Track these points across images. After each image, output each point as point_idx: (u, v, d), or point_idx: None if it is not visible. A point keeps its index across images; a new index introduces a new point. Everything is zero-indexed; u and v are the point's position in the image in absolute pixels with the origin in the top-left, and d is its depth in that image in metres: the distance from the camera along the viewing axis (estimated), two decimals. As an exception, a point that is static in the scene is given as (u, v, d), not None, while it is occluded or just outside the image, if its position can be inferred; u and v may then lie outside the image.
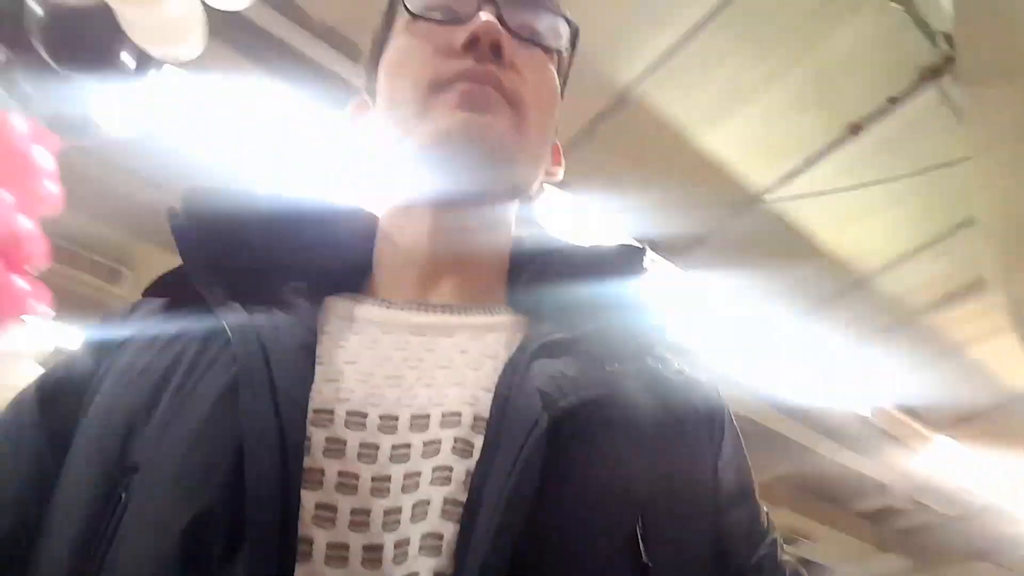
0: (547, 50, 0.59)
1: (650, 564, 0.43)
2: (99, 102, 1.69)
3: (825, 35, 2.64)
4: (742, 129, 3.05)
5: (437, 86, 0.54)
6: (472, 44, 0.53)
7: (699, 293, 3.57)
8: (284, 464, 0.40)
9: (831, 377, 4.05)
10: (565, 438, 0.44)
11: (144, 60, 1.59)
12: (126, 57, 1.53)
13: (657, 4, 2.67)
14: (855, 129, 2.91)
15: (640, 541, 0.43)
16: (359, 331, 0.51)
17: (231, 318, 0.46)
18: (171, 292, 0.53)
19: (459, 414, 0.45)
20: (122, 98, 1.68)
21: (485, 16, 0.54)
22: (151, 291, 0.54)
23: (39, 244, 2.10)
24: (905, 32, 2.56)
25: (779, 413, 5.08)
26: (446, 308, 0.54)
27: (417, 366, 0.49)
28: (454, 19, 0.55)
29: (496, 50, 0.53)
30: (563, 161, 0.66)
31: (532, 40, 0.58)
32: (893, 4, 2.45)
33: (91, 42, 1.44)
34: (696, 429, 0.55)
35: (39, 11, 1.44)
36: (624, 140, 3.22)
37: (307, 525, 0.40)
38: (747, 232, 3.54)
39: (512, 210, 0.62)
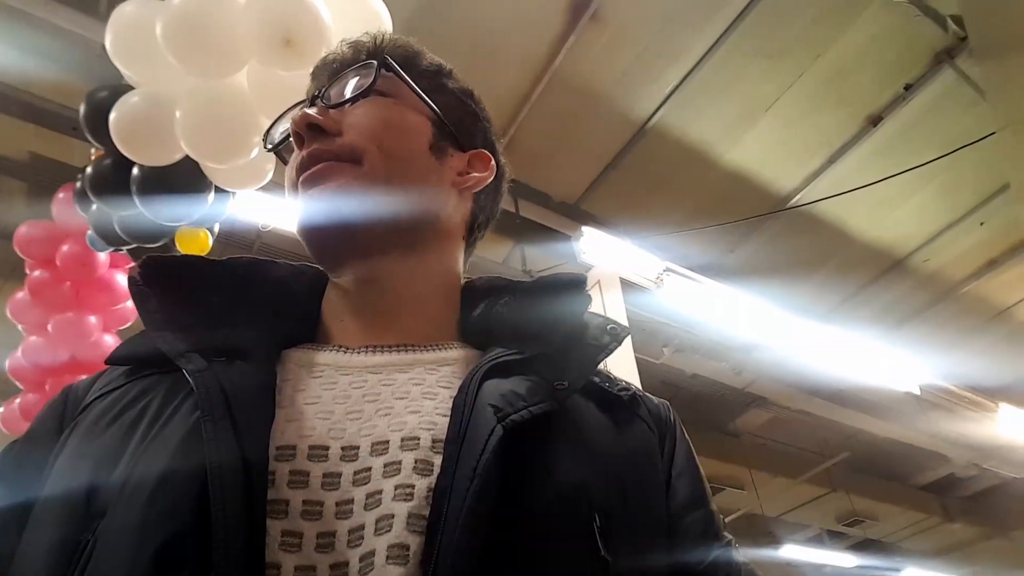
0: (369, 94, 0.61)
1: (608, 558, 0.45)
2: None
3: (833, 38, 2.70)
4: (763, 139, 3.10)
5: (293, 186, 0.60)
6: (299, 139, 0.59)
7: (737, 301, 3.59)
8: (249, 495, 0.42)
9: (878, 359, 4.05)
10: (520, 448, 0.46)
11: (221, 193, 1.67)
12: (208, 195, 1.62)
13: (666, 39, 2.74)
14: (874, 121, 2.97)
15: (598, 536, 0.46)
16: (318, 375, 0.53)
17: (192, 367, 0.49)
18: (132, 357, 0.55)
19: (417, 438, 0.47)
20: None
21: (297, 112, 0.60)
22: (113, 358, 0.56)
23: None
24: (913, 21, 2.62)
25: (830, 402, 5.07)
26: (400, 348, 0.57)
27: (375, 399, 0.51)
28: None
29: (316, 129, 0.58)
30: (493, 162, 0.67)
31: (346, 100, 0.61)
32: (896, -1, 2.51)
33: (179, 192, 1.54)
34: (645, 441, 0.58)
35: (137, 172, 1.54)
36: (649, 169, 3.27)
37: (274, 551, 0.42)
38: (779, 235, 3.58)
39: (432, 241, 0.63)
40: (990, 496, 7.44)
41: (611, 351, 0.59)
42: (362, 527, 0.43)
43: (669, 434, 0.61)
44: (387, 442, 0.47)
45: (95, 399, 0.53)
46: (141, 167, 1.53)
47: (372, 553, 0.42)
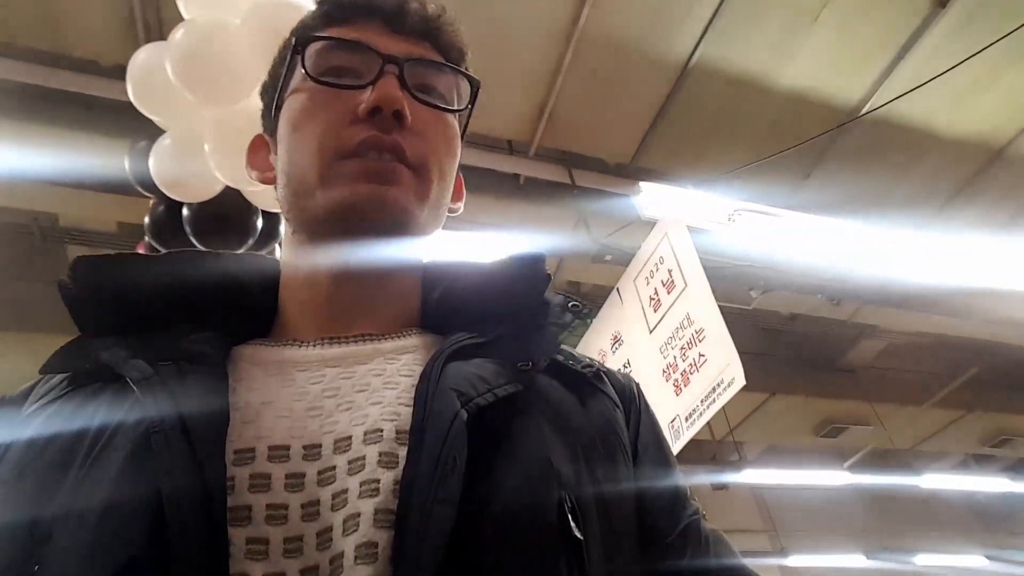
0: (448, 104, 0.59)
1: (581, 537, 0.44)
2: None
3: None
4: (817, 52, 2.87)
5: (341, 155, 0.54)
6: (374, 112, 0.53)
7: (820, 227, 3.36)
8: (207, 505, 0.40)
9: (995, 260, 3.70)
10: (486, 432, 0.45)
11: (272, 221, 1.70)
12: (256, 220, 1.65)
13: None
14: (942, 2, 2.69)
15: (570, 517, 0.45)
16: (273, 372, 0.51)
17: (135, 375, 0.46)
18: (70, 365, 0.51)
19: (381, 430, 0.46)
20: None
21: (387, 80, 0.54)
22: (48, 367, 0.52)
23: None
24: None
25: (947, 316, 4.70)
26: (358, 338, 0.55)
27: (335, 394, 0.49)
28: (357, 82, 0.55)
29: (399, 118, 0.54)
30: (464, 194, 0.67)
31: (433, 103, 0.57)
32: None
33: (229, 222, 1.57)
34: (610, 416, 0.57)
35: (187, 211, 1.58)
36: (700, 111, 3.11)
37: (239, 561, 0.40)
38: (856, 150, 3.32)
39: (419, 251, 0.61)
40: None
41: (573, 328, 0.59)
42: (330, 528, 0.42)
43: (634, 408, 0.61)
44: (349, 438, 0.46)
45: (31, 412, 0.50)
46: (189, 206, 1.57)
47: (340, 555, 0.41)
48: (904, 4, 2.74)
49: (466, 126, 0.64)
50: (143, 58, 1.41)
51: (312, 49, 0.57)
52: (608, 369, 0.63)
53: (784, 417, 5.96)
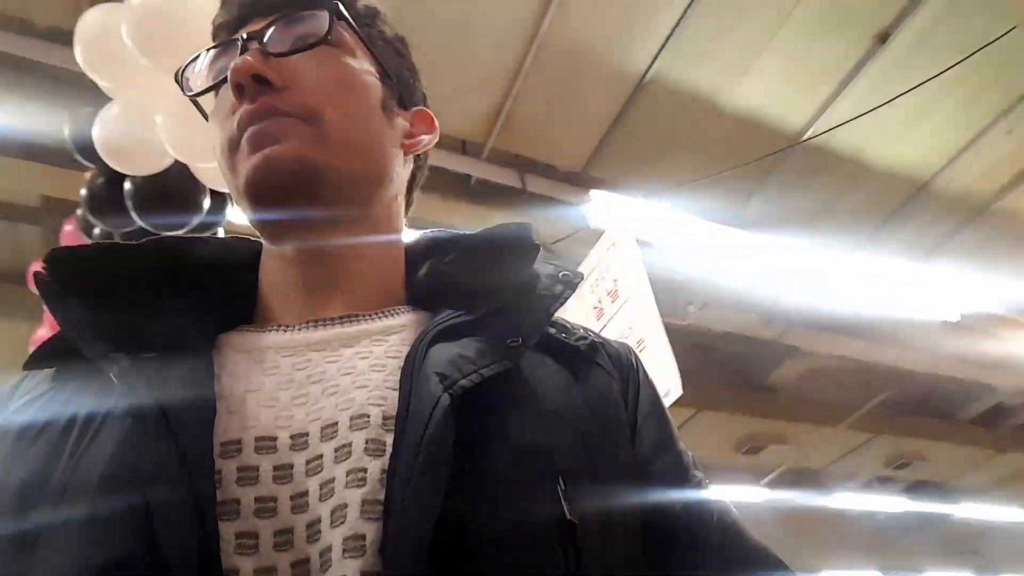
0: (325, 43, 0.56)
1: (575, 521, 0.43)
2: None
3: (829, -46, 2.59)
4: (767, 76, 2.98)
5: (233, 144, 0.54)
6: (239, 90, 0.53)
7: (758, 245, 3.49)
8: (195, 500, 0.39)
9: (912, 290, 3.93)
10: (474, 414, 0.44)
11: (219, 201, 1.62)
12: (203, 199, 1.56)
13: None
14: (882, 38, 2.84)
15: (563, 500, 0.44)
16: (258, 359, 0.50)
17: (116, 370, 0.46)
18: (51, 361, 0.51)
19: (367, 415, 0.45)
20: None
21: (238, 59, 0.53)
22: (30, 364, 0.51)
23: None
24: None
25: (866, 341, 4.95)
26: (344, 320, 0.54)
27: (321, 379, 0.48)
28: (225, 78, 0.55)
29: (261, 81, 0.52)
30: (436, 125, 0.65)
31: (295, 49, 0.55)
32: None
33: (174, 199, 1.48)
34: (606, 390, 0.56)
35: (129, 185, 1.48)
36: (653, 124, 3.17)
37: (229, 555, 0.40)
38: (796, 174, 3.46)
39: (379, 207, 0.59)
40: (1043, 422, 7.27)
41: (565, 299, 0.56)
42: (319, 520, 0.41)
43: (632, 378, 0.59)
44: (336, 424, 0.45)
45: (16, 409, 0.49)
46: (133, 179, 1.48)
47: (329, 548, 0.40)
48: (848, 38, 2.88)
49: (377, 38, 0.61)
50: (95, 19, 1.32)
51: (187, 75, 0.59)
52: (604, 339, 0.61)
53: (709, 433, 6.11)
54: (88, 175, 1.74)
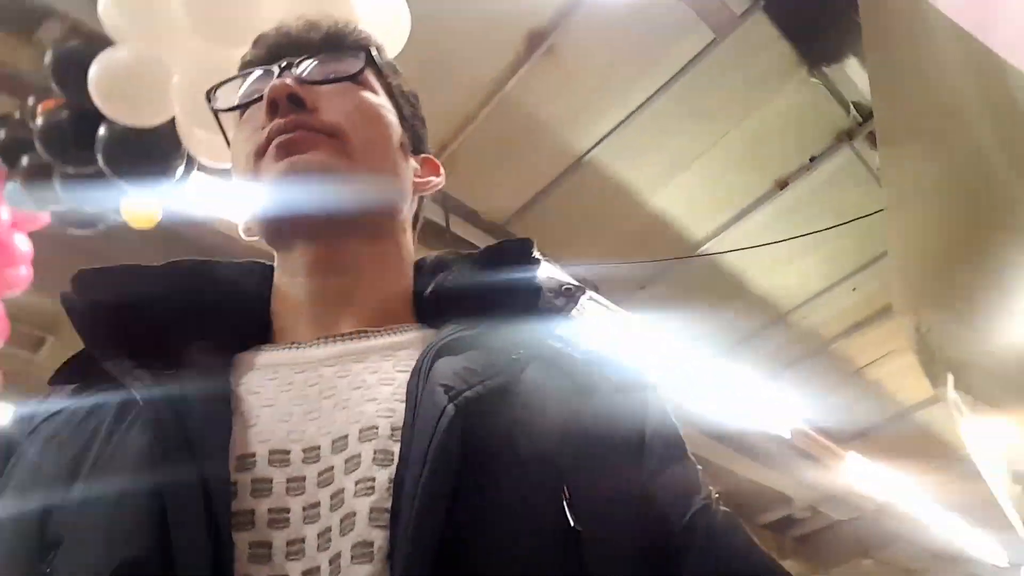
0: (352, 80, 0.61)
1: (580, 529, 0.44)
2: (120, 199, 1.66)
3: (757, 105, 3.00)
4: (684, 190, 3.35)
5: (259, 152, 0.57)
6: (272, 107, 0.56)
7: (640, 332, 3.80)
8: (209, 510, 0.41)
9: (754, 403, 4.41)
10: (480, 424, 0.45)
11: (189, 165, 1.60)
12: (179, 168, 1.55)
13: (610, 80, 2.92)
14: (781, 185, 3.30)
15: (567, 509, 0.44)
16: (273, 376, 0.52)
17: (138, 386, 0.47)
18: (77, 376, 0.53)
19: (376, 427, 0.46)
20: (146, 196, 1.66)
21: (277, 80, 0.58)
22: (56, 379, 0.54)
23: (2, 323, 2.09)
24: (823, 101, 2.97)
25: (706, 437, 5.41)
26: (353, 336, 0.55)
27: (332, 394, 0.50)
28: (259, 97, 0.59)
29: (296, 101, 0.56)
30: (442, 172, 0.69)
31: (329, 80, 0.60)
32: (813, 80, 2.84)
33: (153, 158, 1.46)
34: (613, 401, 0.55)
35: (106, 130, 1.44)
36: (578, 202, 3.42)
37: (244, 564, 0.41)
38: (687, 278, 3.85)
39: (392, 233, 0.63)
40: (818, 537, 8.18)
41: (567, 312, 0.57)
42: (329, 529, 0.42)
43: (642, 392, 0.59)
44: (346, 436, 0.46)
45: (42, 422, 0.51)
46: (111, 125, 1.44)
47: (339, 556, 0.41)
48: (755, 178, 3.32)
49: (398, 89, 0.65)
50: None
51: (218, 92, 0.64)
52: (614, 354, 0.61)
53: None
54: (44, 104, 1.66)
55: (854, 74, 2.78)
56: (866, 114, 2.92)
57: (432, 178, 0.68)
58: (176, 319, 0.54)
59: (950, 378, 2.62)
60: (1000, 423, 2.39)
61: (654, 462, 0.54)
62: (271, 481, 0.44)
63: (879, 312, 3.99)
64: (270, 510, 0.43)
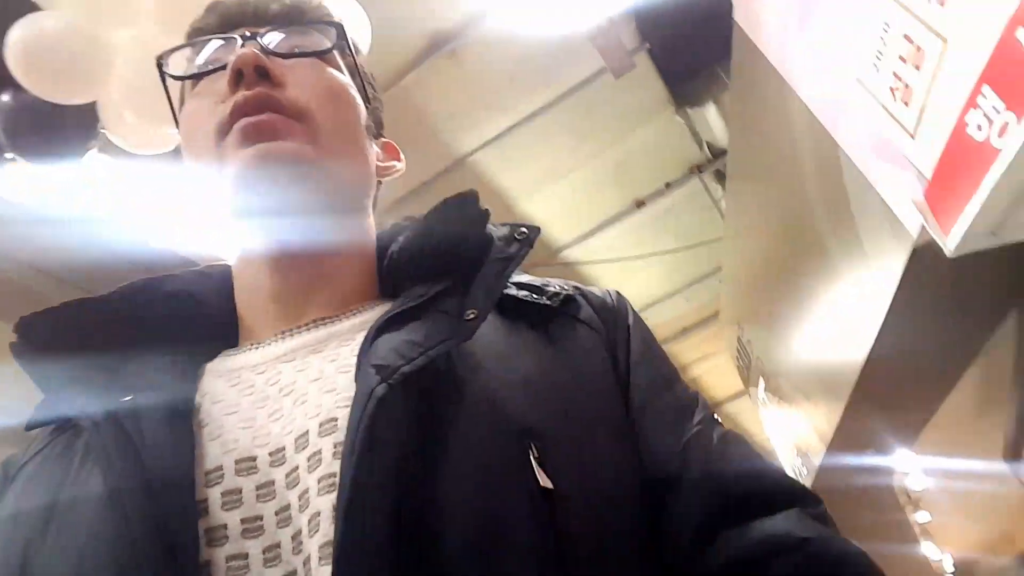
0: (319, 55, 0.58)
1: (551, 487, 0.42)
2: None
3: (627, 133, 3.33)
4: (554, 200, 3.63)
5: (221, 131, 0.52)
6: (237, 77, 0.52)
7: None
8: (173, 547, 0.39)
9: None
10: (434, 394, 0.43)
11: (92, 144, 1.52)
12: (90, 148, 1.47)
13: (503, 90, 3.10)
14: (639, 204, 3.68)
15: (538, 467, 0.42)
16: (235, 381, 0.50)
17: (88, 422, 0.46)
18: (47, 418, 0.51)
19: (335, 419, 0.44)
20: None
21: (243, 49, 0.54)
22: (31, 425, 0.51)
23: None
24: (683, 136, 3.37)
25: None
26: (313, 325, 0.53)
27: (292, 390, 0.48)
28: (221, 66, 0.55)
29: (262, 73, 0.53)
30: (402, 157, 0.67)
31: (297, 54, 0.56)
32: (677, 118, 3.22)
33: (62, 135, 1.37)
34: (588, 345, 0.53)
35: (11, 98, 1.34)
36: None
37: None
38: (545, 274, 4.14)
39: (356, 222, 0.60)
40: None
41: (521, 258, 0.54)
42: (300, 531, 0.41)
43: (620, 324, 0.57)
44: (306, 432, 0.45)
45: (25, 463, 0.50)
46: (19, 92, 1.33)
47: (309, 558, 0.40)
48: (618, 195, 3.67)
49: (362, 70, 0.62)
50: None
51: (172, 58, 0.59)
52: (584, 289, 0.59)
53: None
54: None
55: (711, 119, 3.19)
56: (716, 153, 3.36)
57: (394, 163, 0.66)
58: (130, 343, 0.52)
59: (761, 381, 3.12)
60: (791, 414, 2.91)
61: (639, 397, 0.51)
62: (240, 491, 0.43)
63: (705, 320, 4.56)
64: (243, 520, 0.42)
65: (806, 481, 2.74)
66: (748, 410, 4.85)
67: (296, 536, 0.41)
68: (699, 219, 3.71)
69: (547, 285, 0.57)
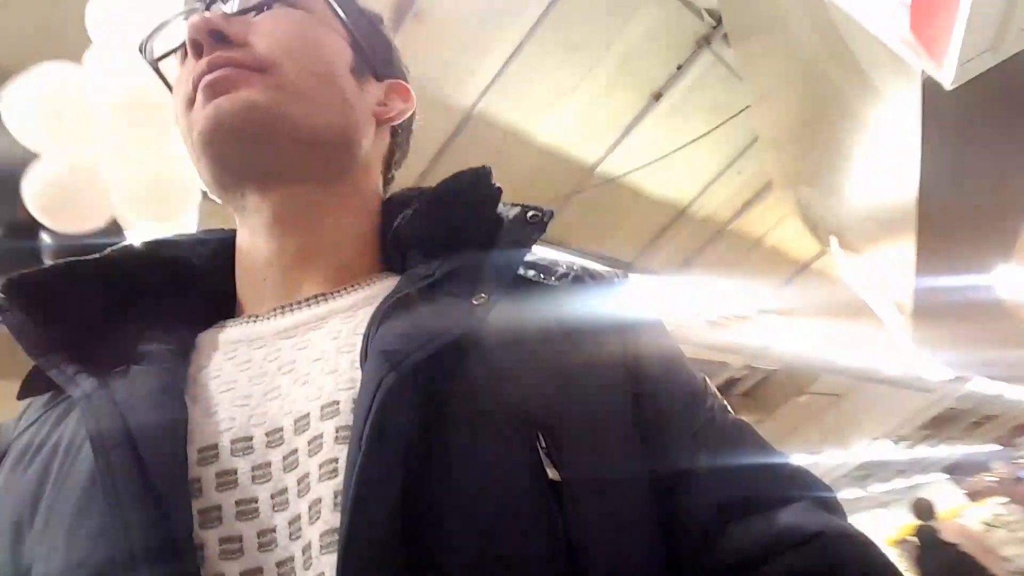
0: (288, 5, 0.56)
1: (561, 480, 0.41)
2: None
3: (620, 28, 3.16)
4: (570, 118, 3.51)
5: (189, 100, 0.52)
6: (196, 48, 0.52)
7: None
8: (166, 516, 0.38)
9: (675, 296, 4.79)
10: (442, 383, 0.42)
11: None
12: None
13: (480, 32, 2.99)
14: (656, 97, 3.51)
15: (546, 458, 0.41)
16: (231, 355, 0.49)
17: (79, 392, 0.44)
18: (44, 386, 0.49)
19: (337, 402, 0.43)
20: None
21: (196, 16, 0.53)
22: (22, 393, 0.50)
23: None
24: (678, 13, 3.16)
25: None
26: (314, 300, 0.52)
27: (292, 369, 0.46)
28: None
29: (219, 38, 0.51)
30: (412, 97, 0.62)
31: (256, 7, 0.55)
32: (666, -6, 3.02)
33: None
34: (597, 327, 0.52)
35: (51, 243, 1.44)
36: (474, 154, 3.53)
37: (215, 563, 0.39)
38: (585, 199, 4.07)
39: (349, 173, 0.57)
40: (759, 388, 9.01)
41: (533, 242, 0.52)
42: (299, 517, 0.40)
43: (628, 308, 0.55)
44: (307, 415, 0.43)
45: (16, 437, 0.49)
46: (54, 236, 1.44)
47: (309, 546, 0.39)
48: (632, 95, 3.52)
49: (342, 20, 0.58)
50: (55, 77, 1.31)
51: (150, 46, 0.59)
52: (592, 271, 0.57)
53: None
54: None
55: (701, -18, 2.97)
56: (718, 17, 3.13)
57: (399, 104, 0.61)
58: (122, 309, 0.51)
59: (833, 239, 2.99)
60: (871, 265, 2.79)
61: (649, 385, 0.50)
62: (236, 472, 0.42)
63: (764, 188, 4.38)
64: (237, 502, 0.41)
65: (906, 328, 2.63)
66: (832, 266, 4.67)
67: (294, 521, 0.40)
68: (722, 91, 3.51)
69: (556, 265, 0.55)
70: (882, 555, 0.44)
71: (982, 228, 2.06)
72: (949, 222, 1.92)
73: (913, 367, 6.37)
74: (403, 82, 0.63)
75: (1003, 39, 0.93)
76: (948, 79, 0.96)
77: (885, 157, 1.73)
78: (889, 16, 1.11)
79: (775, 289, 5.61)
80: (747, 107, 3.21)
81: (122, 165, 1.31)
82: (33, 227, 1.46)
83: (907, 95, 1.36)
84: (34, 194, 1.34)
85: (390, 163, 0.63)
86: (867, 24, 1.20)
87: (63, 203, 1.34)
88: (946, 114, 1.36)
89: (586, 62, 3.26)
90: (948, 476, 11.36)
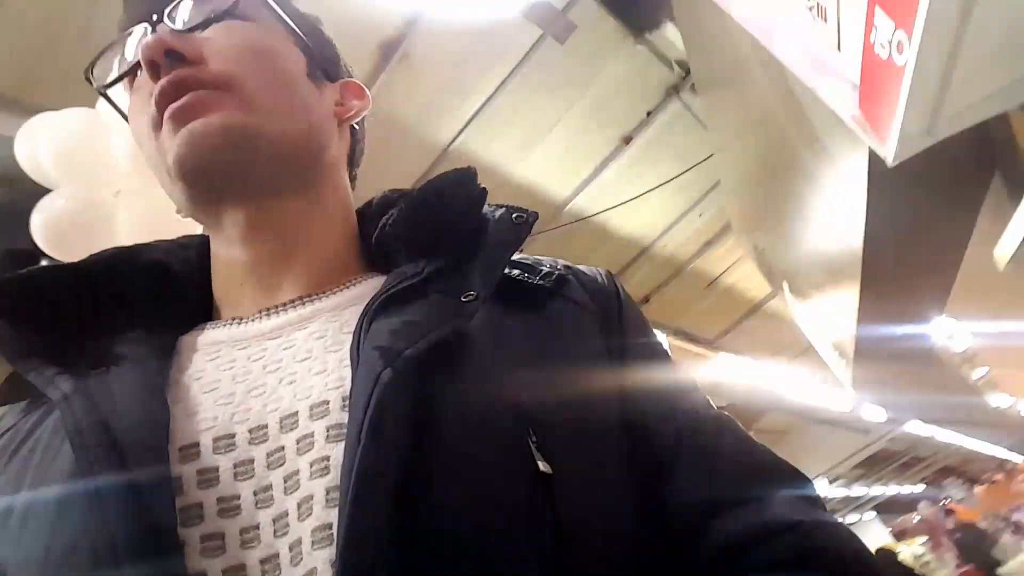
0: (232, 15, 0.55)
1: (551, 472, 0.41)
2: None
3: (595, 74, 3.34)
4: (544, 158, 3.67)
5: (155, 124, 0.52)
6: (153, 69, 0.51)
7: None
8: (148, 521, 0.38)
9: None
10: (433, 379, 0.42)
11: None
12: None
13: (464, 74, 3.14)
14: (627, 140, 3.70)
15: (536, 451, 0.42)
16: (213, 356, 0.49)
17: (59, 393, 0.44)
18: (17, 393, 0.50)
19: (327, 402, 0.43)
20: None
21: (148, 37, 0.52)
22: (4, 398, 0.50)
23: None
24: (650, 62, 3.37)
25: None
26: (297, 301, 0.52)
27: (277, 368, 0.47)
28: (139, 62, 0.53)
29: (175, 57, 0.51)
30: (367, 94, 0.64)
31: (204, 22, 0.54)
32: (639, 47, 3.22)
33: None
34: (581, 324, 0.53)
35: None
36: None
37: (196, 561, 0.38)
38: (556, 235, 4.22)
39: (322, 177, 0.57)
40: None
41: (520, 242, 0.53)
42: (286, 514, 0.40)
43: (612, 304, 0.56)
44: (295, 414, 0.44)
45: None
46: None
47: (299, 541, 0.39)
48: (604, 137, 3.69)
49: (289, 25, 0.58)
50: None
51: (95, 71, 0.57)
52: (575, 269, 0.58)
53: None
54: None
55: (672, 36, 3.17)
56: (687, 68, 3.34)
57: (355, 102, 0.62)
58: (102, 314, 0.51)
59: (785, 284, 3.18)
60: (818, 311, 2.98)
61: (634, 379, 0.51)
62: (217, 469, 0.42)
63: (724, 229, 4.59)
64: (219, 499, 0.41)
65: (846, 371, 2.82)
66: (782, 309, 4.90)
67: (280, 518, 0.40)
68: (690, 138, 3.71)
69: (540, 264, 0.57)
70: (859, 543, 0.45)
71: (919, 282, 2.26)
72: (890, 275, 2.10)
73: (852, 408, 6.64)
74: (353, 80, 0.64)
75: (936, 124, 1.10)
76: (890, 156, 1.12)
77: (834, 212, 1.91)
78: (840, 96, 1.28)
79: (729, 326, 5.84)
80: (711, 155, 3.41)
81: (134, 202, 1.38)
82: (33, 255, 1.50)
83: (855, 161, 1.54)
84: (45, 228, 1.38)
85: (352, 161, 0.65)
86: (819, 92, 1.38)
87: (72, 238, 1.38)
88: (890, 180, 1.54)
89: (561, 106, 3.43)
90: (876, 514, 11.76)
